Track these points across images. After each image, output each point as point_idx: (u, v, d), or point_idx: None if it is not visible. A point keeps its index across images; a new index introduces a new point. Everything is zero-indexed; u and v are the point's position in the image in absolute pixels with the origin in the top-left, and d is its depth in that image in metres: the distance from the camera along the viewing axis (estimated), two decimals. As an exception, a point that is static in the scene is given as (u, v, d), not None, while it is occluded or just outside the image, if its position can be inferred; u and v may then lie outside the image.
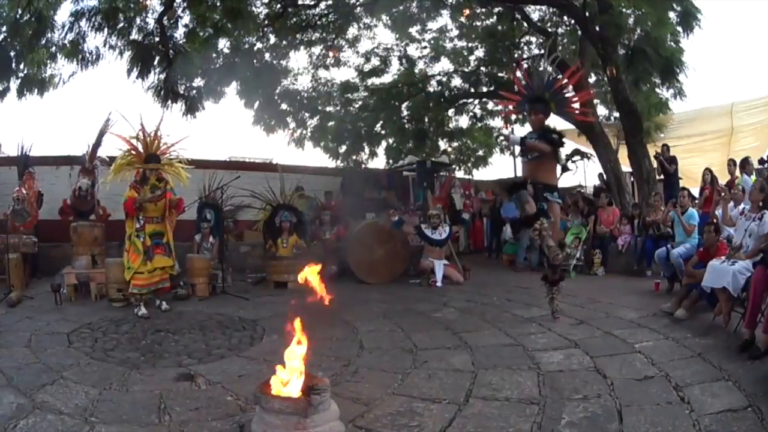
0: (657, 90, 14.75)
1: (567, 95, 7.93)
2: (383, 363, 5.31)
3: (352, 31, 17.86)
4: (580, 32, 15.21)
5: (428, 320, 7.28)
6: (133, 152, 8.25)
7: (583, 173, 17.64)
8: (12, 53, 13.88)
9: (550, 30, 16.41)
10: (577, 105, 8.57)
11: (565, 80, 7.76)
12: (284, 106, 18.55)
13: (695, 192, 12.30)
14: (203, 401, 4.36)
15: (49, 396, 4.43)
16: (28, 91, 14.48)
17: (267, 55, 17.13)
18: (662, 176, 14.53)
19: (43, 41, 14.20)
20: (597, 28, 13.48)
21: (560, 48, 16.23)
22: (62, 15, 15.84)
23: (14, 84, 14.45)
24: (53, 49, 14.54)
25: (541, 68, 8.12)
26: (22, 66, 14.36)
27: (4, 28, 13.65)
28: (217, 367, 5.33)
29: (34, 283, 10.25)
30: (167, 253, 8.24)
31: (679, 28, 13.08)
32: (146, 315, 7.49)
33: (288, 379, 3.63)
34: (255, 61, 16.62)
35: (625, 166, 15.16)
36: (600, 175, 15.47)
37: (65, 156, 13.46)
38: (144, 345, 6.22)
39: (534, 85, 7.71)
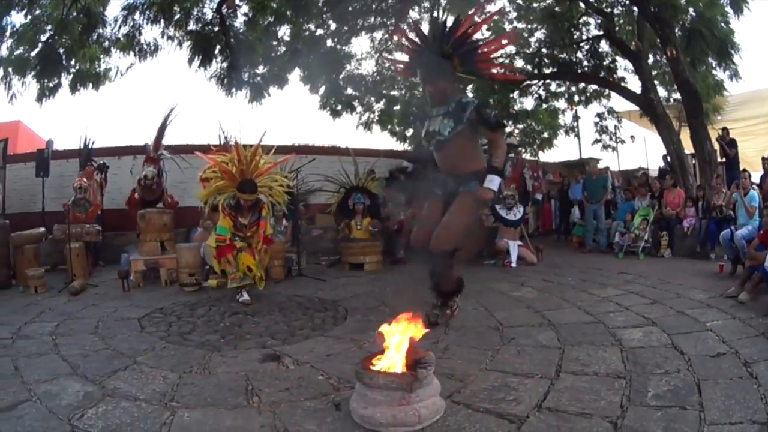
0: (713, 71, 14.52)
1: (475, 44, 5.69)
2: (471, 340, 5.29)
3: (412, 14, 17.78)
4: (636, 12, 14.96)
5: (508, 299, 7.25)
6: (226, 175, 7.67)
7: (644, 155, 17.45)
8: (61, 50, 14.09)
9: (606, 10, 16.05)
10: (494, 55, 6.06)
11: (469, 25, 5.54)
12: (349, 91, 18.60)
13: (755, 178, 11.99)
14: (293, 381, 4.29)
15: (121, 382, 4.35)
16: (81, 85, 14.82)
17: (329, 41, 17.17)
18: (723, 159, 14.26)
19: (95, 36, 14.40)
20: (653, 9, 13.23)
21: (617, 28, 15.95)
22: (113, 10, 16.06)
23: (66, 80, 14.85)
24: (106, 43, 14.74)
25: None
26: (73, 62, 14.59)
27: (48, 27, 13.85)
28: (303, 348, 5.26)
29: (98, 272, 10.42)
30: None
31: (729, 9, 12.85)
32: (248, 301, 7.30)
33: (391, 354, 3.53)
34: (318, 47, 16.64)
35: (687, 149, 14.88)
36: (664, 156, 15.24)
37: (127, 146, 13.70)
38: (223, 327, 6.17)
39: (426, 41, 5.75)
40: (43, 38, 14.03)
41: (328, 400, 3.85)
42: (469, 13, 5.72)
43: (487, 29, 18.03)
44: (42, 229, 10.35)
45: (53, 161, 12.60)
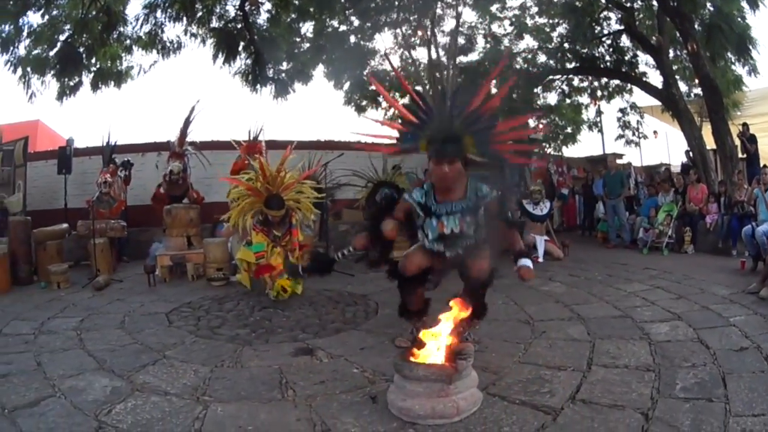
0: (732, 66, 14.45)
1: (489, 124, 4.40)
2: (503, 333, 5.35)
3: (436, 10, 17.78)
4: (656, 7, 14.89)
5: (537, 293, 7.27)
6: (252, 192, 7.53)
7: (666, 150, 17.40)
8: (81, 49, 14.13)
9: (626, 5, 15.93)
10: (512, 138, 4.72)
11: (484, 98, 4.32)
12: (374, 87, 18.60)
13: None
14: (328, 375, 4.31)
15: (150, 377, 4.34)
16: (103, 84, 14.85)
17: (352, 38, 17.16)
18: (744, 155, 14.18)
19: (115, 35, 14.45)
20: (673, 3, 13.17)
21: (637, 23, 15.87)
22: (133, 8, 16.14)
23: (87, 78, 14.87)
24: (127, 42, 14.79)
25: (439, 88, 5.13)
26: (93, 60, 14.65)
27: (67, 27, 13.89)
28: (336, 341, 5.29)
29: (122, 267, 10.45)
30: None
31: (745, 4, 12.79)
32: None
33: (429, 345, 3.54)
34: (341, 43, 16.66)
35: (708, 144, 14.80)
36: (687, 152, 15.18)
37: (151, 143, 13.83)
38: (253, 321, 6.20)
39: (434, 112, 4.48)
40: (62, 38, 14.02)
41: (363, 393, 3.87)
42: (483, 82, 4.64)
43: (510, 25, 18.09)
44: (65, 225, 10.39)
45: (75, 158, 12.69)
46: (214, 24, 15.27)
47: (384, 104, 18.94)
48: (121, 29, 14.61)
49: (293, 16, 15.74)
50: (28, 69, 13.94)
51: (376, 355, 4.69)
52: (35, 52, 13.98)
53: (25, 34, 13.72)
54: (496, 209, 4.54)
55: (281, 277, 7.26)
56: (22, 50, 13.86)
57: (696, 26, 13.52)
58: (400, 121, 4.80)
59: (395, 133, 4.92)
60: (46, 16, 13.73)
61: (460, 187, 4.45)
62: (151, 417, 3.58)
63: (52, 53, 14.02)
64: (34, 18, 13.75)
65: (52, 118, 44.98)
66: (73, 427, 3.44)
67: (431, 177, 4.51)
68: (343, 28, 16.96)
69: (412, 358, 3.54)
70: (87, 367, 4.60)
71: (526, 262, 4.62)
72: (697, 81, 14.79)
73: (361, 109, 19.01)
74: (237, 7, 15.08)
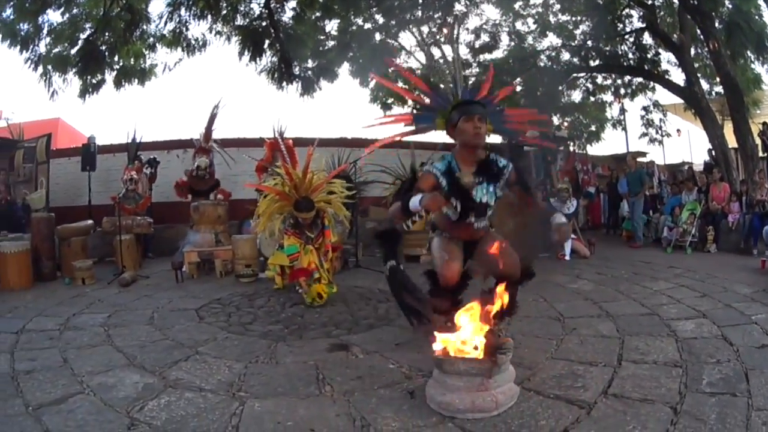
0: (752, 65, 14.41)
1: (501, 107, 4.95)
2: (536, 330, 5.41)
3: (459, 7, 17.86)
4: (677, 4, 14.85)
5: (566, 291, 7.37)
6: (280, 197, 7.43)
7: (688, 148, 17.35)
8: (103, 47, 14.21)
9: (648, 2, 15.88)
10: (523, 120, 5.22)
11: (489, 89, 4.70)
12: (400, 84, 18.60)
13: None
14: (364, 370, 4.33)
15: (183, 373, 4.32)
16: (126, 81, 14.92)
17: (377, 35, 17.16)
18: (765, 153, 14.15)
19: (138, 33, 14.52)
20: (693, 1, 13.15)
21: (659, 20, 15.83)
22: (156, 6, 16.24)
23: (110, 76, 14.97)
24: (150, 40, 14.86)
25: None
26: (116, 58, 14.74)
27: (88, 25, 13.97)
28: (370, 337, 5.33)
29: (147, 264, 10.51)
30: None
31: (762, 2, 12.78)
32: (307, 290, 7.06)
33: (468, 340, 3.57)
34: (367, 40, 16.65)
35: (730, 143, 14.76)
36: (709, 150, 15.13)
37: (176, 140, 13.91)
38: (284, 318, 6.24)
39: (447, 93, 5.11)
40: (83, 36, 14.11)
41: (401, 388, 3.89)
42: (485, 79, 4.77)
43: (534, 23, 18.05)
44: (90, 221, 10.49)
45: (99, 156, 12.83)
46: (239, 22, 15.33)
47: (410, 102, 18.95)
48: (144, 27, 14.70)
49: (318, 14, 15.77)
50: (49, 67, 14.06)
51: (411, 351, 4.71)
52: (56, 50, 14.08)
53: (45, 32, 13.83)
54: (516, 179, 4.67)
55: (312, 277, 7.14)
56: (42, 48, 13.98)
57: (716, 24, 13.48)
58: (414, 106, 5.02)
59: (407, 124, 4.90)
60: (66, 15, 13.83)
61: (478, 155, 4.50)
62: (186, 413, 3.56)
63: (73, 51, 14.11)
64: (53, 16, 13.89)
65: (73, 115, 45.25)
66: (104, 425, 3.41)
67: (460, 138, 4.48)
68: (367, 26, 16.95)
69: (451, 353, 3.57)
70: (116, 364, 4.59)
71: (560, 218, 4.83)
72: (718, 79, 14.76)
73: (386, 107, 19.02)
74: (262, 4, 15.15)
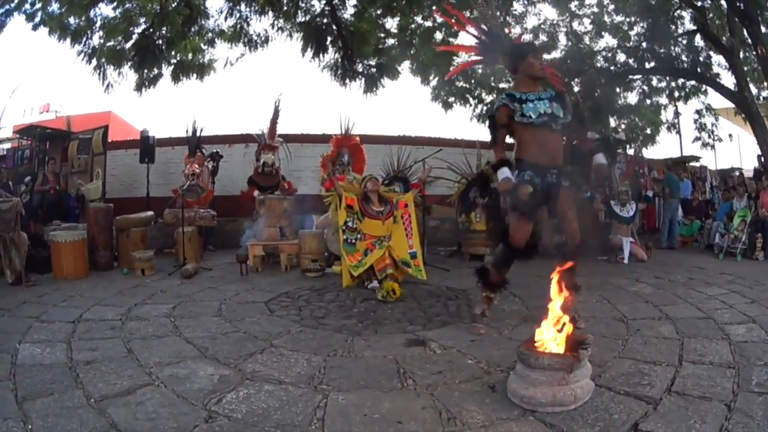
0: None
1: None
2: (602, 330, 5.51)
3: (517, 7, 17.79)
4: (726, 8, 14.80)
5: (627, 293, 7.48)
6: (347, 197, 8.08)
7: (738, 154, 17.24)
8: (160, 41, 14.44)
9: (697, 3, 15.80)
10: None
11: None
12: (460, 83, 18.63)
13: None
14: (444, 365, 4.43)
15: (260, 365, 4.34)
16: (184, 76, 15.12)
17: (438, 34, 16.87)
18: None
19: (196, 28, 14.71)
20: (739, 4, 13.12)
21: (708, 22, 15.76)
22: (214, 2, 16.41)
23: (167, 70, 15.15)
24: (209, 35, 15.11)
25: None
26: (173, 53, 14.95)
27: (143, 20, 14.21)
28: (445, 333, 5.44)
29: (207, 256, 10.68)
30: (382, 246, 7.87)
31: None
32: (377, 287, 7.26)
33: (553, 335, 3.78)
34: (428, 39, 16.52)
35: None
36: (758, 156, 15.03)
37: (237, 134, 14.10)
38: (357, 313, 6.35)
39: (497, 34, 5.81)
40: (138, 31, 14.28)
41: (482, 383, 4.02)
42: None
43: (590, 23, 18.01)
44: (151, 212, 10.68)
45: (158, 148, 13.16)
46: (300, 18, 15.42)
47: (472, 102, 18.95)
48: (203, 23, 14.91)
49: (379, 11, 15.82)
50: (103, 60, 14.18)
51: (488, 347, 4.88)
52: (110, 43, 14.20)
53: (97, 25, 14.01)
54: (574, 110, 5.39)
55: (385, 272, 7.44)
56: (95, 41, 14.12)
57: (763, 29, 13.44)
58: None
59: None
60: (119, 9, 13.97)
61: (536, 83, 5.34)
62: (268, 406, 3.56)
63: (128, 45, 14.29)
64: (105, 9, 14.02)
65: (124, 109, 45.69)
66: (179, 417, 3.36)
67: (528, 70, 5.29)
68: (428, 24, 16.81)
69: (535, 348, 3.74)
70: (187, 355, 4.60)
71: (601, 158, 5.47)
72: (766, 84, 14.69)
73: (447, 106, 18.82)
74: (324, 1, 15.27)
